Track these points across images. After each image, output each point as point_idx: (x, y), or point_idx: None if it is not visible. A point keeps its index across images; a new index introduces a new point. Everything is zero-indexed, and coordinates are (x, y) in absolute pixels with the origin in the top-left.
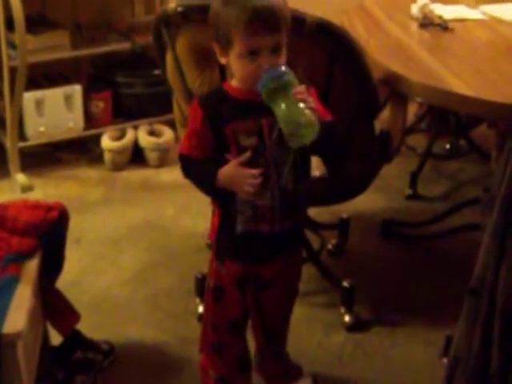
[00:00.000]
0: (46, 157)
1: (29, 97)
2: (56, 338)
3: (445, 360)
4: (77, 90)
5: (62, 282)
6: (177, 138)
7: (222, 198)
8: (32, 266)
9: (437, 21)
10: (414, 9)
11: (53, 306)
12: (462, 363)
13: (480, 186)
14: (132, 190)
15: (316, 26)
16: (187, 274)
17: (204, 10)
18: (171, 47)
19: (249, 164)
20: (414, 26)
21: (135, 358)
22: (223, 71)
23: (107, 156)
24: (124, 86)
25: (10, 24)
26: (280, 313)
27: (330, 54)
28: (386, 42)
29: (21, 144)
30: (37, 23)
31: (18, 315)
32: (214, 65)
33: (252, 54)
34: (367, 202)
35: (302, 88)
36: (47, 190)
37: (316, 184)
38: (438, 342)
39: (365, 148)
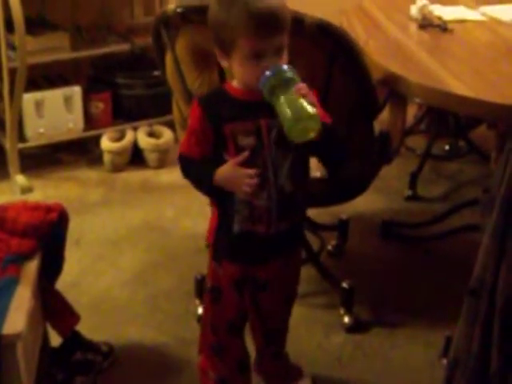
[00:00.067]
0: (45, 158)
1: (28, 98)
2: (56, 339)
3: (444, 361)
4: (76, 91)
5: (62, 283)
6: (176, 139)
7: (220, 198)
8: (32, 267)
9: (436, 22)
10: (413, 10)
11: (52, 307)
12: (462, 364)
13: (479, 186)
14: (132, 191)
15: (315, 26)
16: (187, 275)
17: (203, 11)
18: (171, 48)
19: (247, 164)
20: (413, 27)
21: (135, 359)
22: (222, 72)
23: (107, 157)
24: (123, 87)
25: (9, 25)
26: (278, 314)
27: (329, 54)
28: (385, 42)
29: (20, 145)
30: (36, 24)
31: (18, 316)
32: (214, 66)
33: (256, 56)
34: (367, 203)
35: (303, 85)
36: (47, 191)
37: (315, 185)
38: (438, 342)
39: (364, 149)
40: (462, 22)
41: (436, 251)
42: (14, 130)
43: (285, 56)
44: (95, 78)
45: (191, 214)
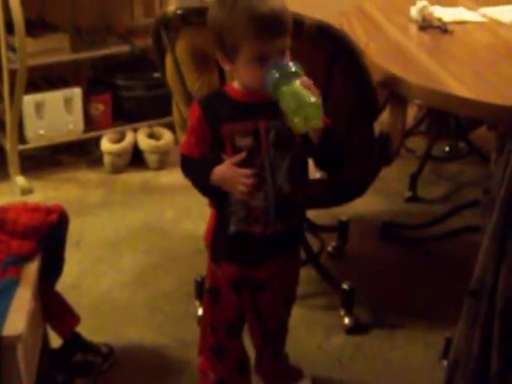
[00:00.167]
0: (45, 159)
1: (29, 100)
2: (56, 341)
3: (444, 362)
4: (76, 92)
5: (62, 285)
6: (176, 141)
7: (218, 198)
8: (32, 268)
9: (436, 23)
10: (414, 11)
11: (52, 308)
12: (462, 365)
13: (480, 188)
14: (132, 193)
15: (315, 28)
16: (187, 277)
17: (203, 12)
18: (171, 50)
19: (244, 164)
20: (414, 29)
21: (135, 360)
22: (222, 74)
23: (107, 158)
24: (124, 88)
25: (9, 27)
26: (277, 314)
27: (330, 56)
28: (386, 44)
29: (20, 147)
30: (36, 26)
31: (18, 318)
32: (213, 68)
33: (260, 59)
34: (367, 205)
35: (307, 79)
36: (47, 192)
37: (315, 186)
38: (438, 344)
39: (364, 150)
40: (462, 23)
41: (436, 252)
42: (14, 132)
43: (288, 57)
44: (95, 80)
45: (191, 216)
